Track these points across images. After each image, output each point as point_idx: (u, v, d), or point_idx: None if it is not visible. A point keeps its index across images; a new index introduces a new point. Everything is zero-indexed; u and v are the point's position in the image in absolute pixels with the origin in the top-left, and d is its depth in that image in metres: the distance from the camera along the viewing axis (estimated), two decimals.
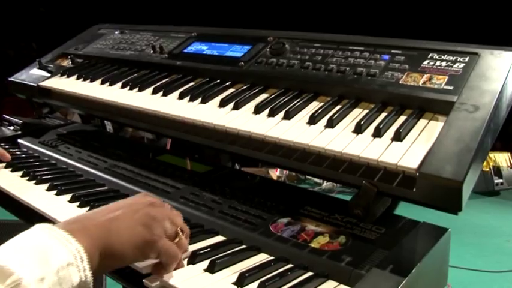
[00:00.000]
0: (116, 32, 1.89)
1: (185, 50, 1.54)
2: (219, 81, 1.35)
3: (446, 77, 1.05)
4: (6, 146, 1.63)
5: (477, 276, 3.49)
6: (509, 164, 6.70)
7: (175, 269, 0.83)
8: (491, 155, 6.47)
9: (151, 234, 0.79)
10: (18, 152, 1.59)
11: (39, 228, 0.70)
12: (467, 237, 4.14)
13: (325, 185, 5.75)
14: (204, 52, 1.48)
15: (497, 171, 6.52)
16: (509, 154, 6.80)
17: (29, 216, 1.15)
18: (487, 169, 6.35)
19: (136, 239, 0.77)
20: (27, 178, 1.31)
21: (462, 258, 3.62)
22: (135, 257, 0.79)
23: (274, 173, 5.72)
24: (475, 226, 4.50)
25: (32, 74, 1.80)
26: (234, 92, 1.27)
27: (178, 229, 0.84)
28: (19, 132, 1.79)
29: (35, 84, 1.71)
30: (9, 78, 1.85)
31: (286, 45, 1.33)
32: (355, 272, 0.82)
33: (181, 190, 1.18)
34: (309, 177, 5.87)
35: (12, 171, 1.38)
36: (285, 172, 5.72)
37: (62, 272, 0.65)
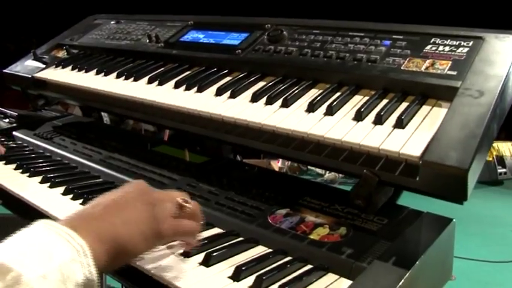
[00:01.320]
0: (112, 22, 1.86)
1: (181, 39, 1.50)
2: (215, 69, 1.32)
3: (450, 62, 1.01)
4: (2, 139, 1.61)
5: (481, 266, 3.47)
6: None
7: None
8: (495, 144, 6.45)
9: (156, 219, 0.76)
10: (13, 145, 1.56)
11: (40, 224, 0.66)
12: (470, 227, 4.10)
13: (328, 176, 5.73)
14: (201, 40, 1.44)
15: (501, 160, 6.50)
16: None
17: (22, 210, 1.12)
18: (491, 158, 6.33)
19: (143, 228, 0.74)
20: (20, 171, 1.29)
21: (466, 248, 3.59)
22: (146, 247, 0.76)
23: (276, 165, 5.70)
24: (479, 216, 4.46)
25: (27, 66, 1.77)
26: (230, 80, 1.24)
27: (179, 200, 0.81)
28: (14, 125, 1.76)
29: (30, 76, 1.68)
30: (4, 70, 1.82)
31: (284, 32, 1.30)
32: (356, 264, 0.79)
33: (177, 181, 1.15)
34: (311, 168, 5.85)
35: (5, 163, 1.35)
36: (287, 163, 5.70)
37: (65, 268, 0.61)
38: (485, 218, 4.61)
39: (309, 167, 5.91)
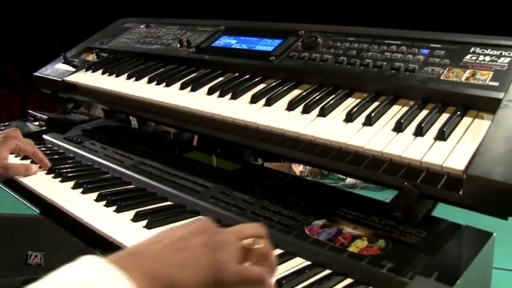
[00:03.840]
0: (142, 26, 1.86)
1: (213, 44, 1.50)
2: (248, 76, 1.31)
3: (491, 73, 0.99)
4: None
5: (507, 276, 3.41)
6: None
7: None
8: None
9: (218, 265, 0.65)
10: (43, 148, 1.56)
11: (85, 261, 0.61)
12: (498, 236, 4.01)
13: (349, 180, 5.68)
14: (233, 46, 1.44)
15: None
16: None
17: (55, 214, 1.12)
18: None
19: (201, 274, 0.64)
20: (52, 175, 1.29)
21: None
22: None
23: (297, 168, 5.66)
24: (507, 224, 4.36)
25: (57, 69, 1.78)
26: (265, 87, 1.22)
27: (246, 242, 0.70)
28: (44, 128, 1.77)
29: (60, 79, 1.69)
30: (35, 73, 1.83)
31: (319, 39, 1.28)
32: (397, 279, 0.78)
33: (210, 189, 1.14)
34: (332, 172, 5.81)
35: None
36: (308, 167, 5.67)
37: None
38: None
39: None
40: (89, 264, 0.60)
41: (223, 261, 0.66)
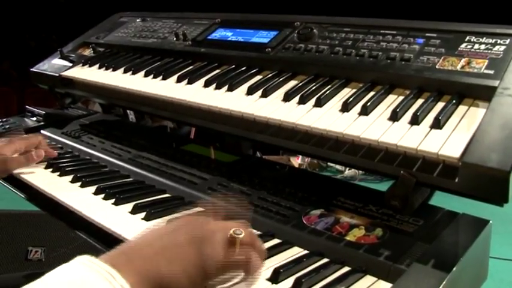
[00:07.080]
0: (138, 20, 1.86)
1: (209, 37, 1.50)
2: (245, 68, 1.31)
3: (486, 61, 1.00)
4: None
5: (504, 265, 3.42)
6: None
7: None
8: None
9: (202, 256, 0.68)
10: None
11: (80, 261, 0.62)
12: (494, 225, 4.00)
13: (347, 172, 5.70)
14: (229, 38, 1.44)
15: None
16: None
17: (54, 209, 1.13)
18: None
19: (188, 267, 0.67)
20: (51, 170, 1.29)
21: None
22: (192, 286, 0.68)
23: (296, 161, 5.67)
24: (503, 214, 4.35)
25: (54, 64, 1.78)
26: (261, 79, 1.23)
27: (231, 232, 0.71)
28: (42, 123, 1.77)
29: (57, 74, 1.69)
30: (31, 69, 1.83)
31: (315, 30, 1.28)
32: (394, 266, 0.78)
33: (208, 181, 1.14)
34: (331, 164, 5.82)
35: (36, 162, 1.36)
36: (307, 160, 5.68)
37: None
38: (510, 215, 4.55)
39: (329, 163, 5.88)
40: (84, 264, 0.61)
41: (208, 252, 0.69)
